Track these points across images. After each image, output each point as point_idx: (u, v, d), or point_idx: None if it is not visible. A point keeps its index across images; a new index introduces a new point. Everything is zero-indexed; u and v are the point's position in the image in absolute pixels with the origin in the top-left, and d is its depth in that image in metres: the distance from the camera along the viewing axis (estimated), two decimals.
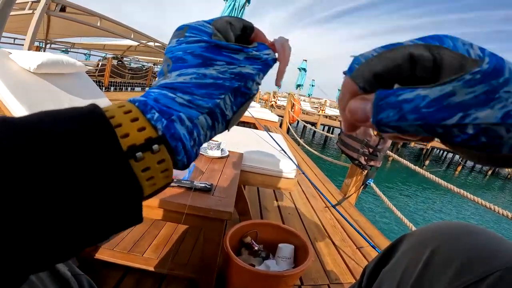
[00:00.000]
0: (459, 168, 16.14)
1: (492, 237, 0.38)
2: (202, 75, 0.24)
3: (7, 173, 0.15)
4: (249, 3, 4.38)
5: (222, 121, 0.26)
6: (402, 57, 0.19)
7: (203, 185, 0.86)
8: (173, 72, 0.25)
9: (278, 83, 0.33)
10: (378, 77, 0.19)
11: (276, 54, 0.30)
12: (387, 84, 0.19)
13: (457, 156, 18.15)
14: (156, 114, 0.21)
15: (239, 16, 4.28)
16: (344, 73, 0.21)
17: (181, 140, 0.22)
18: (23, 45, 3.66)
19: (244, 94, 0.27)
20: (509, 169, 1.57)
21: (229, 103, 0.26)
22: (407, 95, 0.18)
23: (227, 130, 0.29)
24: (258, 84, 0.28)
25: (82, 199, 0.17)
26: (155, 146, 0.20)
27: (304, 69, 15.09)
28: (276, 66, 0.30)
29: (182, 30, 0.26)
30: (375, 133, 2.14)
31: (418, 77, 0.19)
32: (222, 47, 0.25)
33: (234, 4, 4.23)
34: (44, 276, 0.34)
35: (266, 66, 0.28)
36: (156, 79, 0.26)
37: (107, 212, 0.18)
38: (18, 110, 1.31)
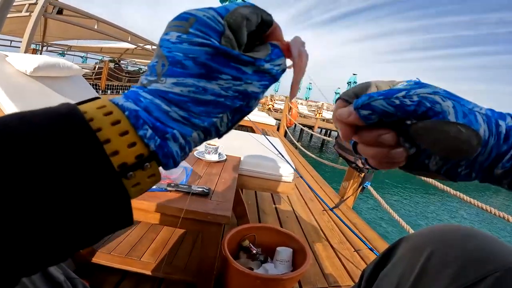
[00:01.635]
0: None
1: (487, 240, 0.38)
2: (203, 89, 0.21)
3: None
4: None
5: (215, 135, 0.25)
6: (370, 84, 0.30)
7: (201, 189, 0.86)
8: (168, 78, 0.21)
9: (292, 97, 0.30)
10: (356, 94, 0.29)
11: (289, 61, 0.26)
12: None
13: None
14: (149, 131, 0.20)
15: None
16: (336, 100, 0.30)
17: (172, 157, 0.21)
18: (19, 47, 3.65)
19: (243, 112, 0.25)
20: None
21: (225, 121, 0.24)
22: (373, 92, 0.26)
23: (217, 138, 0.27)
24: (259, 100, 0.26)
25: (70, 207, 0.17)
26: (146, 164, 0.20)
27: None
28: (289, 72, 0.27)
29: (186, 21, 0.22)
30: None
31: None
32: (232, 57, 0.22)
33: None
34: (36, 279, 0.33)
35: (273, 80, 0.25)
36: (145, 74, 0.23)
37: (95, 218, 0.18)
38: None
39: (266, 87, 0.25)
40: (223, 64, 0.22)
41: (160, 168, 0.22)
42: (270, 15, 0.25)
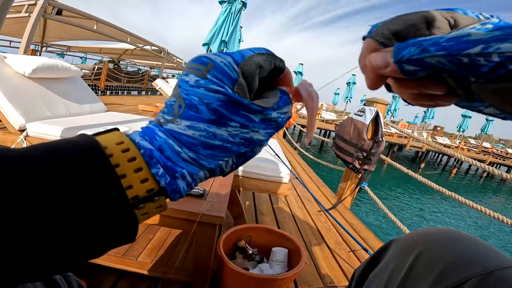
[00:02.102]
0: (454, 171, 16.26)
1: (473, 243, 0.39)
2: (212, 134, 0.23)
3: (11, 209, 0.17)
4: (245, 7, 4.41)
5: (219, 174, 0.27)
6: (417, 18, 0.21)
7: (196, 190, 0.87)
8: (183, 120, 0.23)
9: (308, 140, 0.31)
10: (396, 34, 0.21)
11: (298, 104, 0.28)
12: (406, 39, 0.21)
13: (452, 160, 18.27)
14: (161, 170, 0.22)
15: (235, 21, 4.30)
16: (363, 38, 0.23)
17: (179, 192, 0.24)
18: (19, 47, 3.65)
19: (247, 157, 0.28)
20: (500, 172, 1.51)
21: (230, 164, 0.27)
22: (425, 38, 0.20)
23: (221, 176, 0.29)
24: (263, 146, 0.28)
25: (87, 230, 0.19)
26: (156, 198, 0.23)
27: (301, 73, 15.18)
28: None
29: (205, 66, 0.23)
30: (369, 137, 2.16)
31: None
32: (242, 105, 0.23)
33: (231, 9, 4.27)
34: None
35: (278, 128, 0.27)
36: (162, 111, 0.25)
37: (106, 239, 0.21)
38: (12, 115, 1.31)
39: (270, 135, 0.26)
40: (233, 111, 0.23)
41: None
42: (283, 62, 0.26)
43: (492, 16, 0.20)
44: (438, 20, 0.20)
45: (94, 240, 0.20)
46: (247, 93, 0.24)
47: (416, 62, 0.20)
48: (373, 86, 0.24)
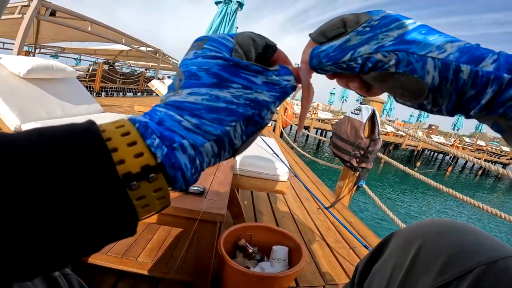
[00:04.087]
0: (450, 169, 16.41)
1: (476, 233, 0.39)
2: (215, 97, 0.23)
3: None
4: (241, 8, 4.41)
5: (229, 149, 0.24)
6: (337, 20, 0.27)
7: (196, 188, 0.87)
8: (184, 89, 0.23)
9: (298, 135, 0.32)
10: (322, 32, 0.27)
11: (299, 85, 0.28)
12: (331, 39, 0.27)
13: (447, 157, 18.44)
14: (157, 140, 0.20)
15: (231, 21, 4.29)
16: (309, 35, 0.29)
17: (181, 169, 0.21)
18: (12, 49, 3.62)
19: (256, 123, 0.25)
20: (496, 168, 1.61)
21: (239, 131, 0.24)
22: (325, 47, 0.26)
23: (232, 158, 0.27)
24: (272, 113, 0.27)
25: (74, 218, 0.17)
26: (152, 175, 0.19)
27: None
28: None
29: (201, 41, 0.25)
30: (366, 135, 2.17)
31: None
32: (241, 67, 0.24)
33: (226, 9, 4.26)
34: None
35: (284, 94, 0.26)
36: (165, 93, 0.25)
37: (98, 226, 0.18)
38: (7, 115, 1.29)
39: (276, 98, 0.26)
40: (234, 74, 0.24)
41: None
42: (273, 42, 0.28)
43: (379, 12, 0.26)
44: (349, 20, 0.26)
45: (87, 229, 0.18)
46: (244, 58, 0.25)
47: (319, 69, 0.27)
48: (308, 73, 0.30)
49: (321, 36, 0.27)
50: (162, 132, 0.21)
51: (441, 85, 0.22)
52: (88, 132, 0.18)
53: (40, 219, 0.16)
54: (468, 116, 0.24)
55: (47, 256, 0.17)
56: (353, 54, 0.25)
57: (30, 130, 0.18)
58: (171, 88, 0.25)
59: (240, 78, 0.24)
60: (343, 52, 0.25)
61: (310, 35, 0.28)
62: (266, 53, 0.28)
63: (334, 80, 0.30)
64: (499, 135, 0.25)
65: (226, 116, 0.23)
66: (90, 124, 0.19)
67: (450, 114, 0.24)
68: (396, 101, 0.27)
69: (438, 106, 0.24)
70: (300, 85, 0.29)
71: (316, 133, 16.00)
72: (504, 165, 17.23)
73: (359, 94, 0.29)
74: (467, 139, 25.18)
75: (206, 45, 0.24)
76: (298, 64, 0.30)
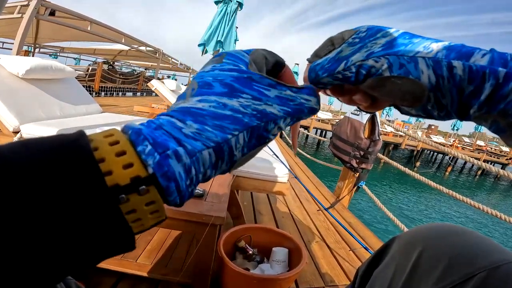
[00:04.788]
0: (449, 169, 16.42)
1: (477, 238, 0.39)
2: (223, 104, 0.22)
3: None
4: (241, 8, 4.40)
5: (227, 161, 0.23)
6: (326, 41, 0.28)
7: (196, 190, 0.86)
8: (195, 97, 0.23)
9: (295, 151, 0.34)
10: (316, 53, 0.28)
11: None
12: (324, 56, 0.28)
13: (446, 158, 18.46)
14: (149, 147, 0.19)
15: (230, 21, 4.29)
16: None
17: (175, 180, 0.19)
18: (11, 49, 3.61)
19: (260, 137, 0.24)
20: (496, 169, 1.61)
21: (241, 143, 0.23)
22: (320, 61, 0.27)
23: (228, 172, 0.25)
24: (280, 129, 0.25)
25: (62, 234, 0.16)
26: (143, 188, 0.18)
27: (296, 73, 15.18)
28: None
29: (220, 56, 0.26)
30: (366, 136, 2.17)
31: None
32: (254, 79, 0.24)
33: (226, 9, 4.25)
34: None
35: (298, 112, 0.25)
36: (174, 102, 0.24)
37: (91, 243, 0.17)
38: (6, 116, 1.29)
39: (287, 114, 0.25)
40: (246, 85, 0.24)
41: None
42: (282, 59, 0.29)
43: (366, 27, 0.27)
44: (336, 38, 0.27)
45: (76, 244, 0.16)
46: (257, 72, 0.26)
47: (317, 83, 0.27)
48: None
49: (315, 57, 0.28)
50: (155, 139, 0.19)
51: (439, 83, 0.22)
52: (75, 142, 0.17)
53: (26, 234, 0.15)
54: (468, 117, 0.24)
55: (36, 274, 0.16)
56: (346, 64, 0.25)
57: (14, 142, 0.17)
58: (181, 97, 0.24)
59: (251, 90, 0.24)
60: (337, 63, 0.26)
61: (307, 59, 0.30)
62: (275, 69, 0.29)
63: None
64: (498, 136, 0.25)
65: (230, 124, 0.22)
66: (79, 133, 0.18)
67: (459, 115, 0.24)
68: (401, 112, 0.27)
69: (444, 109, 0.24)
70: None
71: (316, 133, 16.01)
72: (504, 166, 17.26)
73: (364, 110, 0.29)
74: (466, 139, 25.19)
75: (225, 59, 0.25)
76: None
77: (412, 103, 0.24)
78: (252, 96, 0.23)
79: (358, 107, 0.29)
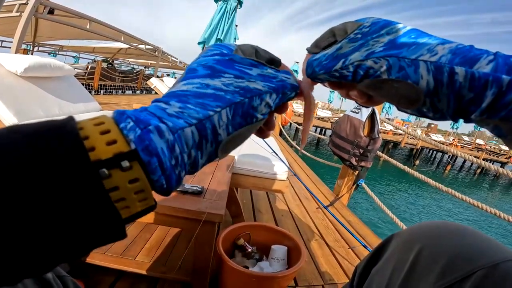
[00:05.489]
0: (448, 167, 16.44)
1: (476, 236, 0.39)
2: (205, 85, 0.23)
3: None
4: (240, 6, 4.39)
5: (212, 140, 0.23)
6: (327, 32, 0.28)
7: (194, 188, 0.86)
8: (181, 81, 0.24)
9: (302, 147, 0.33)
10: (316, 43, 0.28)
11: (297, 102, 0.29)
12: (324, 48, 0.27)
13: (446, 157, 18.48)
14: (131, 123, 0.19)
15: (230, 19, 4.28)
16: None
17: (157, 155, 0.19)
18: (10, 47, 3.59)
19: (246, 115, 0.24)
20: (495, 167, 1.62)
21: (225, 120, 0.23)
22: (318, 56, 0.27)
23: (218, 158, 0.25)
24: (269, 106, 0.25)
25: (47, 217, 0.16)
26: (125, 162, 0.18)
27: (296, 71, 15.17)
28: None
29: (208, 46, 0.28)
30: (365, 134, 2.17)
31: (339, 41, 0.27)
32: (236, 61, 0.25)
33: (226, 7, 4.24)
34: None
35: (281, 87, 0.26)
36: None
37: (76, 229, 0.17)
38: (5, 114, 1.28)
39: (272, 89, 0.25)
40: (227, 66, 0.25)
41: None
42: (278, 57, 0.29)
43: (370, 20, 0.26)
44: (338, 29, 0.27)
45: (64, 225, 0.16)
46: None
47: (314, 78, 0.28)
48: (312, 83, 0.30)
49: (315, 48, 0.28)
50: (138, 116, 0.20)
51: (437, 89, 0.22)
52: (61, 124, 0.18)
53: (15, 216, 0.15)
54: (468, 120, 0.23)
55: (30, 257, 0.16)
56: (344, 62, 0.25)
57: (2, 128, 0.17)
58: (172, 87, 0.25)
59: (233, 70, 0.25)
60: (335, 60, 0.26)
61: (306, 48, 0.29)
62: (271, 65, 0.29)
63: None
64: None
65: (212, 102, 0.23)
66: (68, 117, 0.18)
67: (454, 119, 0.24)
68: (398, 109, 0.27)
69: (439, 112, 0.23)
70: (302, 99, 0.30)
71: (316, 131, 16.00)
72: (503, 164, 17.28)
73: (360, 104, 0.29)
74: (466, 138, 25.22)
75: (210, 47, 0.27)
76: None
77: (407, 106, 0.24)
78: (234, 75, 0.24)
79: (357, 102, 0.29)
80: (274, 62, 0.28)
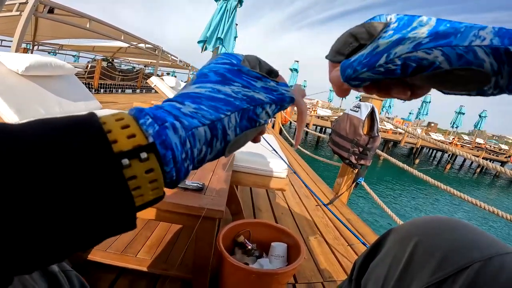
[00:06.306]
0: (448, 166, 16.44)
1: (472, 230, 0.39)
2: (217, 90, 0.26)
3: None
4: (241, 5, 4.39)
5: (221, 139, 0.25)
6: (346, 36, 0.27)
7: (195, 184, 0.87)
8: (193, 85, 0.27)
9: (296, 145, 0.36)
10: (337, 51, 0.28)
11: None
12: (348, 55, 0.27)
13: (445, 156, 18.47)
14: (149, 120, 0.21)
15: (230, 18, 4.28)
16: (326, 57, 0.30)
17: (171, 149, 0.21)
18: (10, 47, 3.60)
19: (250, 120, 0.27)
20: (494, 166, 1.62)
21: (233, 123, 0.26)
22: (354, 58, 0.26)
23: (224, 156, 0.27)
24: (268, 115, 0.29)
25: (70, 204, 0.17)
26: (143, 154, 0.20)
27: (296, 70, 15.15)
28: None
29: (218, 54, 0.30)
30: (365, 132, 2.17)
31: (363, 44, 0.26)
32: (243, 72, 0.28)
33: (226, 6, 4.24)
34: None
35: (280, 100, 0.29)
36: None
37: (95, 216, 0.18)
38: (6, 112, 1.29)
39: (272, 101, 0.28)
40: (236, 75, 0.28)
41: None
42: (275, 69, 0.31)
43: (397, 16, 0.26)
44: (359, 33, 0.26)
45: (84, 212, 0.17)
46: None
47: (355, 79, 0.26)
48: (341, 95, 0.31)
49: (338, 55, 0.28)
50: (155, 114, 0.22)
51: (500, 68, 0.22)
52: (86, 119, 0.19)
53: (40, 205, 0.16)
54: None
55: (48, 246, 0.17)
56: (388, 56, 0.24)
57: (33, 122, 0.18)
58: (183, 89, 0.28)
59: (241, 79, 0.28)
60: (376, 57, 0.25)
61: (326, 57, 0.30)
62: (269, 76, 0.31)
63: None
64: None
65: (223, 106, 0.25)
66: (90, 113, 0.20)
67: (510, 91, 0.24)
68: (444, 93, 0.26)
69: (498, 88, 0.24)
70: (295, 105, 0.32)
71: (315, 130, 16.01)
72: (503, 163, 17.28)
73: (402, 99, 0.28)
74: (466, 137, 25.21)
75: (220, 56, 0.30)
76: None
77: (473, 89, 0.24)
78: (242, 85, 0.27)
79: (400, 98, 0.28)
80: (272, 73, 0.30)
